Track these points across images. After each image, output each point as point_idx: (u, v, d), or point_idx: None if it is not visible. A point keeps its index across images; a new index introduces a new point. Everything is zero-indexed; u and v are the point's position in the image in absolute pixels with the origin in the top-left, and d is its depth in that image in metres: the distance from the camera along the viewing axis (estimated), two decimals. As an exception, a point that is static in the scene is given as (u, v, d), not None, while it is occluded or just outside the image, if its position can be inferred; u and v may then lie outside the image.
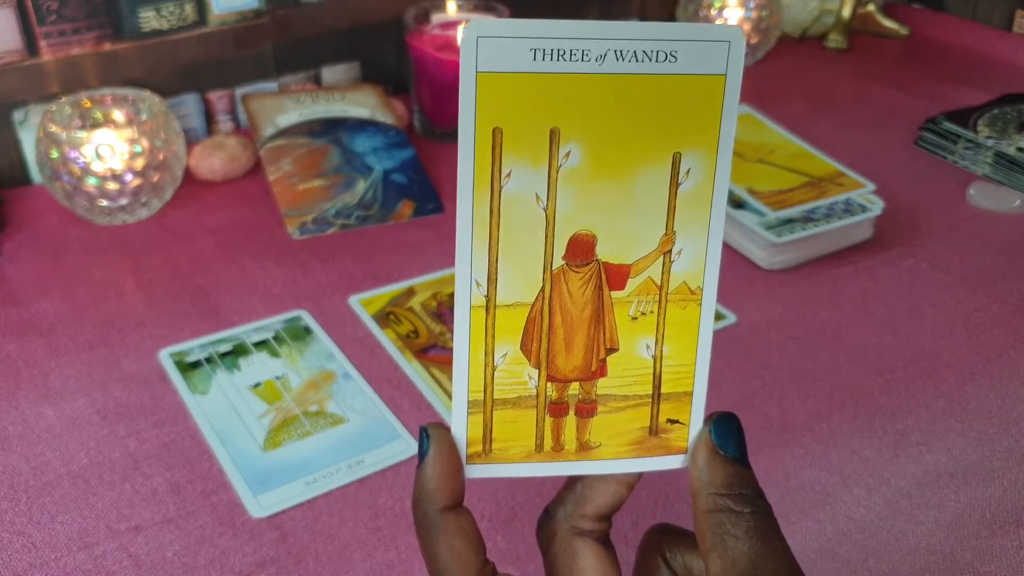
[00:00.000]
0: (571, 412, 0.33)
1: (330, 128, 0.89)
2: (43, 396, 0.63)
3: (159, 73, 0.91)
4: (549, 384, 0.33)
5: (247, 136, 0.91)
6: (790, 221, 0.77)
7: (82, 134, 0.77)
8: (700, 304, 0.33)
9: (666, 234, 0.32)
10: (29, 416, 0.61)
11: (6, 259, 0.77)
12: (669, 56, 0.30)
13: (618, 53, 0.30)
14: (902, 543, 0.53)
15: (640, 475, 0.34)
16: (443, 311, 0.71)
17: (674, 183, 0.31)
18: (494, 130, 0.30)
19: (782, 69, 1.15)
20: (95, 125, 0.82)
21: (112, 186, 0.78)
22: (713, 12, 1.12)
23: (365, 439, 0.60)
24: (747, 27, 1.12)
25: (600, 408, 0.33)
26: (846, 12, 1.21)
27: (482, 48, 0.29)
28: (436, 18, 0.96)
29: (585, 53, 0.29)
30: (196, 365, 0.66)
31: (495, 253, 0.31)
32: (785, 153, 0.86)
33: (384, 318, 0.71)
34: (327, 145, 0.88)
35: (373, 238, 0.81)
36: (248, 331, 0.69)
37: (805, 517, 0.55)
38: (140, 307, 0.72)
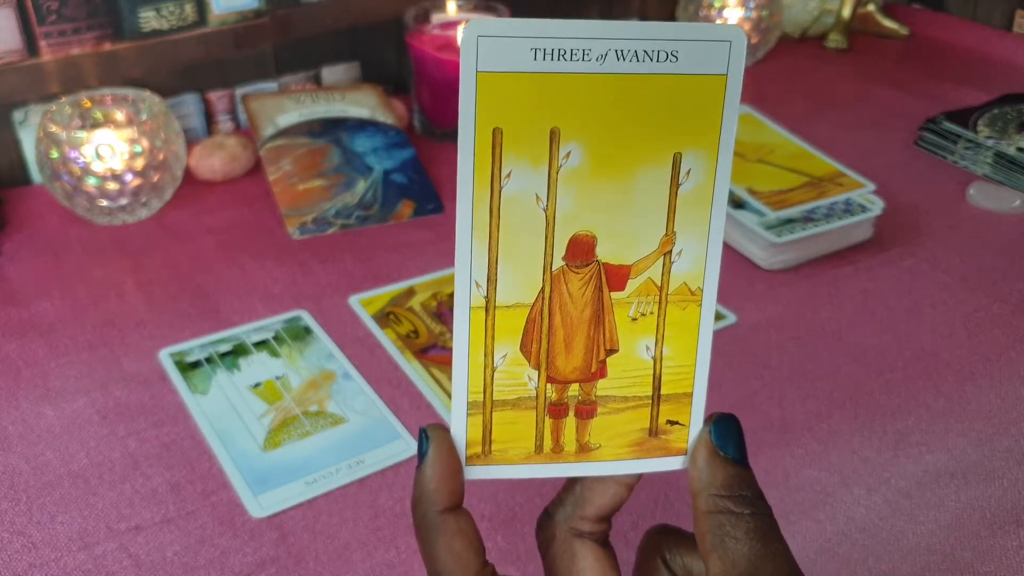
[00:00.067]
0: (571, 413, 0.33)
1: (330, 128, 0.89)
2: (43, 396, 0.63)
3: (159, 73, 0.91)
4: (549, 385, 0.33)
5: (247, 136, 0.91)
6: (790, 221, 0.77)
7: (82, 134, 0.77)
8: (700, 305, 0.33)
9: (666, 235, 0.32)
10: (29, 416, 0.61)
11: (6, 259, 0.77)
12: (670, 56, 0.30)
13: (619, 53, 0.30)
14: (902, 543, 0.53)
15: (640, 476, 0.34)
16: (443, 311, 0.71)
17: (674, 183, 0.31)
18: (494, 130, 0.30)
19: (782, 69, 1.15)
20: (95, 125, 0.82)
21: (112, 186, 0.78)
22: (713, 12, 1.12)
23: (365, 439, 0.60)
24: (747, 27, 1.12)
25: (600, 409, 0.33)
26: (846, 12, 1.21)
27: (482, 48, 0.29)
28: (436, 18, 0.96)
29: (586, 53, 0.29)
30: (196, 365, 0.66)
31: (495, 254, 0.31)
32: (785, 153, 0.86)
33: (384, 318, 0.71)
34: (327, 145, 0.88)
35: (373, 238, 0.81)
36: (248, 331, 0.69)
37: (805, 517, 0.55)
38: (140, 307, 0.72)
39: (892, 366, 0.67)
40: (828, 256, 0.79)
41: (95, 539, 0.53)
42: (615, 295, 0.32)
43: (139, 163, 0.78)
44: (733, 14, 1.12)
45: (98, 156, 0.77)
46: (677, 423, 0.34)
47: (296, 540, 0.53)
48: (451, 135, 0.94)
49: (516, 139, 0.30)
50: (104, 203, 0.79)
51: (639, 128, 0.30)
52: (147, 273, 0.76)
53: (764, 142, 0.88)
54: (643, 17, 1.21)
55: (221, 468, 0.58)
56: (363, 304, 0.72)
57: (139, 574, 0.51)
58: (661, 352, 0.33)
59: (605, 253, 0.32)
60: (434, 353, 0.67)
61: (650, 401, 0.33)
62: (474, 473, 0.33)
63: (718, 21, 1.12)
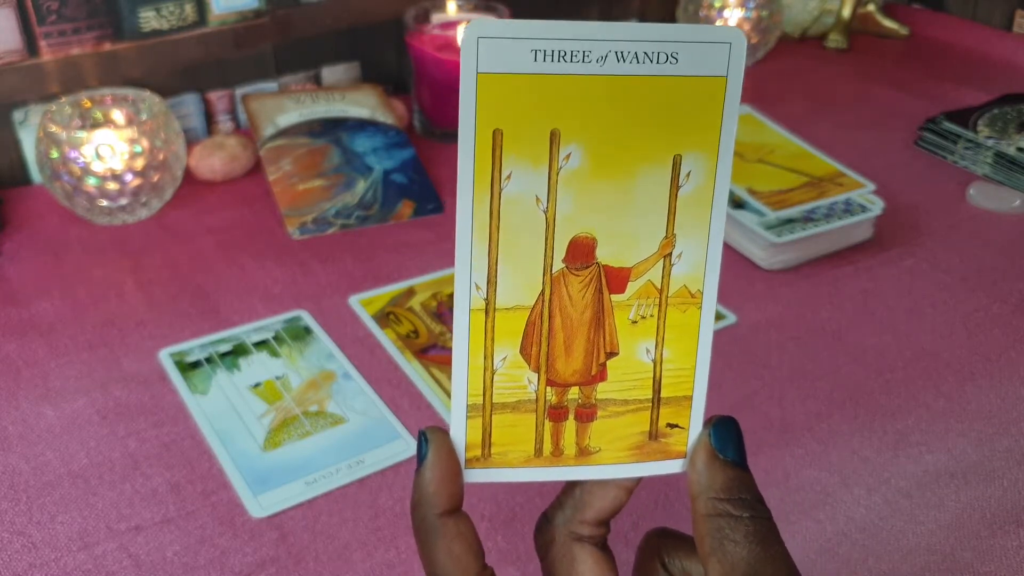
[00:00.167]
0: (571, 416, 0.33)
1: (330, 128, 0.89)
2: (43, 396, 0.63)
3: (159, 73, 0.91)
4: (549, 388, 0.33)
5: (247, 136, 0.91)
6: (790, 221, 0.77)
7: (82, 134, 0.77)
8: (700, 307, 0.33)
9: (666, 237, 0.32)
10: (29, 416, 0.61)
11: (6, 259, 0.77)
12: (670, 57, 0.30)
13: (619, 54, 0.30)
14: (902, 543, 0.53)
15: (639, 480, 0.34)
16: (443, 311, 0.71)
17: (674, 185, 0.31)
18: (494, 131, 0.30)
19: (782, 69, 1.15)
20: (95, 125, 0.82)
21: (112, 186, 0.78)
22: (713, 12, 1.12)
23: (365, 439, 0.60)
24: (747, 27, 1.12)
25: (600, 413, 0.33)
26: (846, 12, 1.21)
27: (483, 49, 0.29)
28: (436, 18, 0.96)
29: (586, 54, 0.29)
30: (196, 365, 0.66)
31: (495, 255, 0.31)
32: (785, 153, 0.86)
33: (384, 318, 0.71)
34: (327, 145, 0.88)
35: (373, 238, 0.81)
36: (248, 331, 0.69)
37: (805, 517, 0.55)
38: (140, 307, 0.72)
39: (892, 366, 0.67)
40: (828, 256, 0.79)
41: (95, 539, 0.53)
42: (615, 298, 0.32)
43: (139, 163, 0.78)
44: (733, 14, 1.12)
45: (98, 156, 0.77)
46: (677, 426, 0.34)
47: (296, 540, 0.53)
48: (451, 135, 0.94)
49: (516, 140, 0.30)
50: (104, 203, 0.79)
51: (639, 130, 0.30)
52: (147, 273, 0.76)
53: (764, 142, 0.88)
54: (643, 16, 1.21)
55: (221, 468, 0.58)
56: (363, 304, 0.72)
57: (139, 574, 0.51)
58: (661, 355, 0.33)
59: (605, 255, 0.32)
60: (434, 353, 0.67)
61: (650, 404, 0.33)
62: (473, 476, 0.33)
63: (718, 21, 1.12)
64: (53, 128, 0.77)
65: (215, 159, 0.87)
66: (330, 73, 1.02)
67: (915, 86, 1.11)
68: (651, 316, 0.33)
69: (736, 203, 0.79)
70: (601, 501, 0.34)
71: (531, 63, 0.29)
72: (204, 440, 0.60)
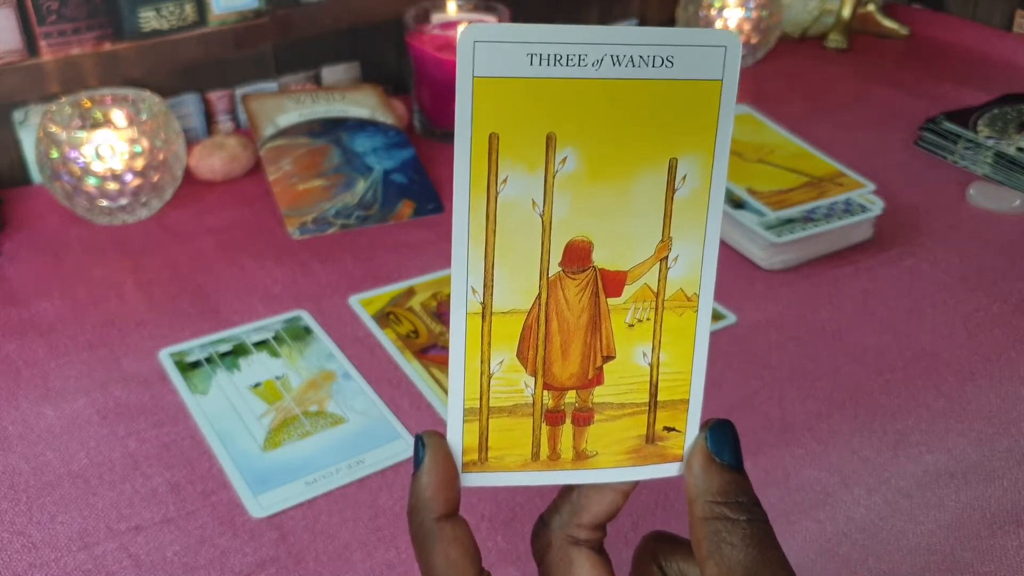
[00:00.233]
0: (568, 420, 0.33)
1: (330, 128, 0.89)
2: (43, 396, 0.63)
3: (159, 73, 0.92)
4: (545, 392, 0.33)
5: (247, 136, 0.91)
6: (790, 221, 0.77)
7: (82, 134, 0.77)
8: (696, 311, 0.33)
9: (662, 240, 0.32)
10: (29, 416, 0.61)
11: (6, 259, 0.77)
12: (665, 61, 0.30)
13: (615, 58, 0.30)
14: (902, 543, 0.53)
15: (636, 483, 0.34)
16: (443, 311, 0.71)
17: (670, 189, 0.31)
18: (490, 135, 0.30)
19: (782, 69, 1.15)
20: (95, 125, 0.82)
21: (112, 186, 0.78)
22: (713, 12, 1.12)
23: (365, 439, 0.60)
24: (747, 27, 1.12)
25: (597, 416, 0.33)
26: (846, 12, 1.21)
27: (479, 53, 0.29)
28: (436, 18, 0.96)
29: (582, 58, 0.29)
30: (196, 365, 0.66)
31: (491, 259, 0.31)
32: (785, 153, 0.86)
33: (384, 318, 0.71)
34: (327, 145, 0.88)
35: (373, 238, 0.81)
36: (248, 331, 0.69)
37: (805, 517, 0.55)
38: (140, 307, 0.72)
39: (892, 366, 0.67)
40: (828, 256, 0.79)
41: (95, 539, 0.53)
42: (611, 301, 0.32)
43: (139, 163, 0.78)
44: (733, 14, 1.12)
45: (98, 156, 0.77)
46: (674, 429, 0.34)
47: (296, 540, 0.53)
48: (451, 135, 0.93)
49: (512, 144, 0.30)
50: (104, 203, 0.79)
51: (635, 133, 0.30)
52: (147, 273, 0.76)
53: (764, 142, 0.88)
54: (643, 16, 1.21)
55: (221, 468, 0.58)
56: (363, 304, 0.72)
57: (139, 574, 0.51)
58: (658, 359, 0.33)
59: (601, 259, 0.32)
60: (434, 353, 0.67)
61: (647, 408, 0.33)
62: (470, 480, 0.33)
63: (718, 21, 1.12)
64: (53, 128, 0.77)
65: (215, 159, 0.87)
66: (330, 73, 1.02)
67: (915, 86, 1.11)
68: (647, 320, 0.33)
69: (736, 203, 0.79)
70: (598, 505, 0.34)
71: (527, 67, 0.29)
72: (204, 440, 0.60)
